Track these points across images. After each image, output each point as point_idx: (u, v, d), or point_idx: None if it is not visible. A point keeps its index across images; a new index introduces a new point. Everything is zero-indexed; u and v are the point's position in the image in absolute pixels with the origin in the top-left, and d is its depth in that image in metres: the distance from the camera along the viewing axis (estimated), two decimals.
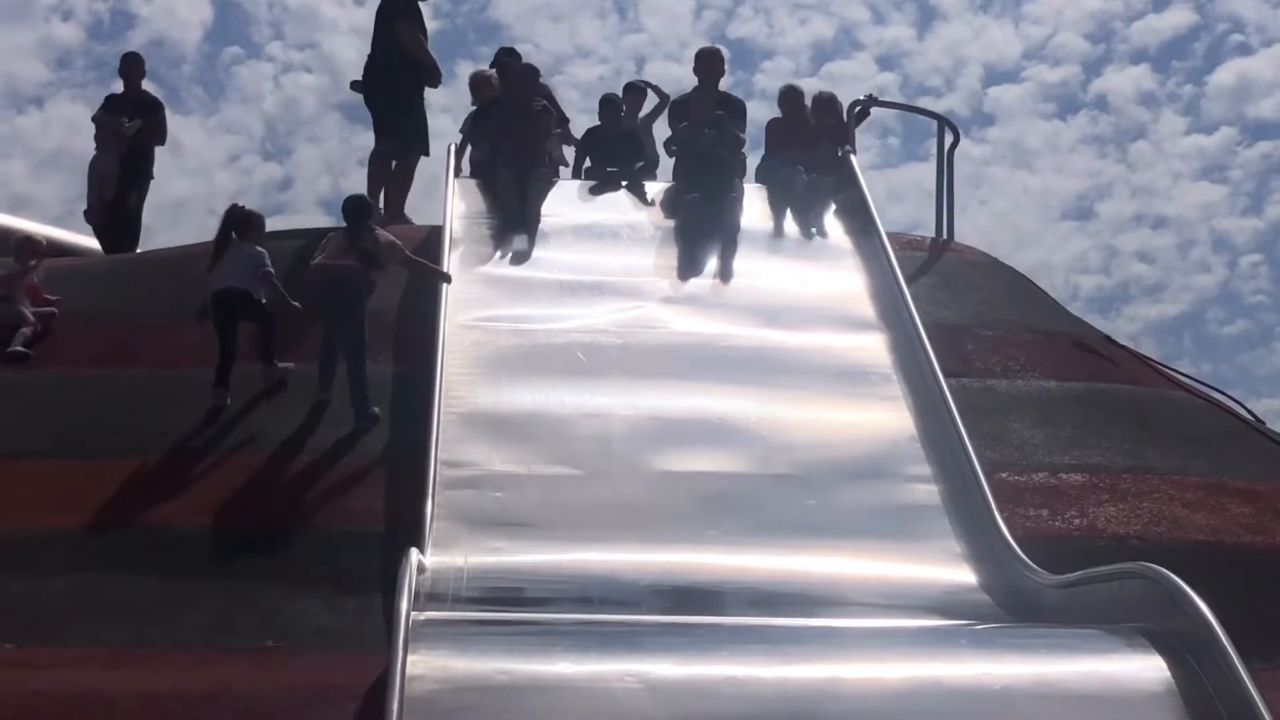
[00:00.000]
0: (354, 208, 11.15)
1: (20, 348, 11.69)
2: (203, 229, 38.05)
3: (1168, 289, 37.90)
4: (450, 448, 9.72)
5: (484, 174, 13.66)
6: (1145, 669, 7.13)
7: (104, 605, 8.78)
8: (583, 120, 15.28)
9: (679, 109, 14.53)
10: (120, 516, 9.58)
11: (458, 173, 13.68)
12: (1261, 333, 38.34)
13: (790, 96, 14.37)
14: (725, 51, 15.17)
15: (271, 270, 11.14)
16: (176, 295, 11.91)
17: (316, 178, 38.79)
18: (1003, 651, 7.40)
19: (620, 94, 15.04)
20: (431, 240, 12.39)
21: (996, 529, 9.08)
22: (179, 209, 32.50)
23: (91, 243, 15.70)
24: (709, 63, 14.61)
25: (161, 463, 10.15)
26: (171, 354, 11.41)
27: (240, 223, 11.35)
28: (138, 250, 14.61)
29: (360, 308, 10.79)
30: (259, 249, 11.21)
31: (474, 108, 14.68)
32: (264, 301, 11.07)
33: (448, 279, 11.43)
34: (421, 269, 11.49)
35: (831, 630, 7.71)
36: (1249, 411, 12.03)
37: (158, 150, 15.08)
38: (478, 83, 14.86)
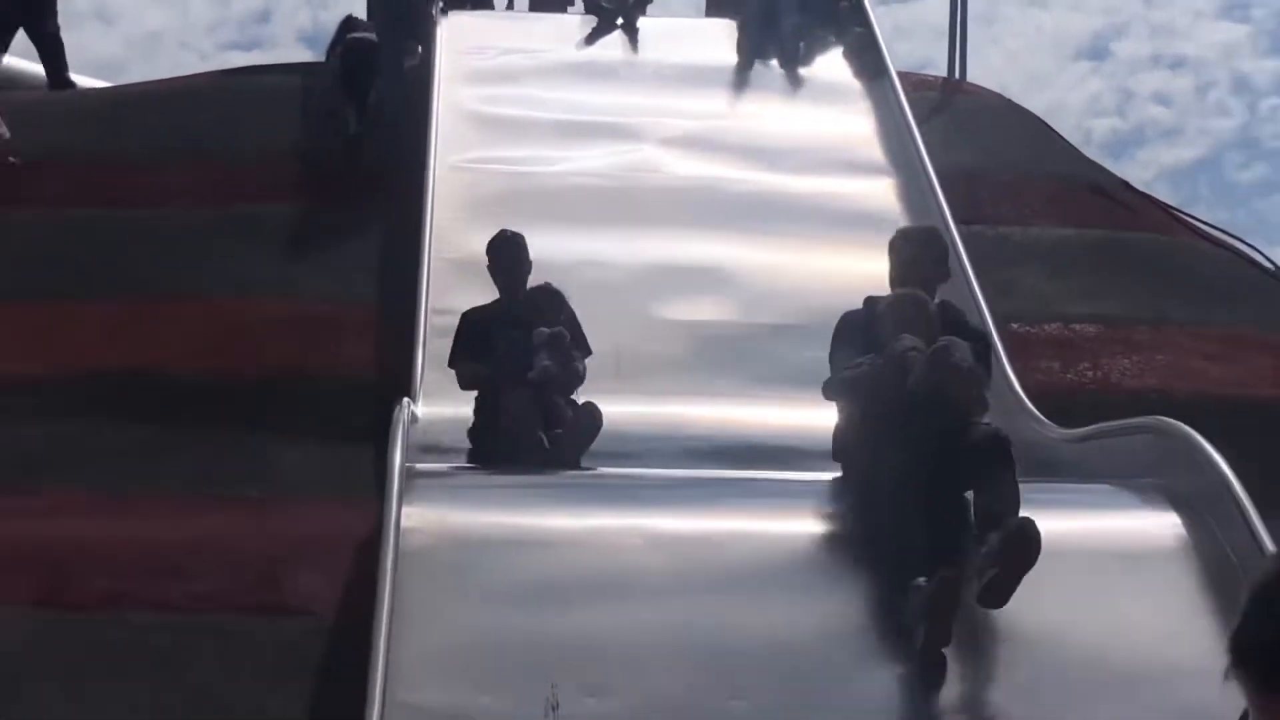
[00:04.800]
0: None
1: None
2: (177, 64, 37.49)
3: (1184, 133, 37.54)
4: (442, 296, 9.63)
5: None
6: (1160, 525, 7.27)
7: (83, 453, 8.73)
8: None
9: None
10: (97, 363, 9.47)
11: None
12: None
13: None
14: None
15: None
16: (158, 134, 11.68)
17: (297, 9, 38.06)
18: None
19: None
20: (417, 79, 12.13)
21: (1007, 381, 8.98)
22: (154, 41, 31.96)
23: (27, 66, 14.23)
24: None
25: (141, 307, 10.02)
26: (155, 195, 11.12)
27: None
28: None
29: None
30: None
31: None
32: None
33: None
34: None
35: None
36: (1270, 261, 11.95)
37: None
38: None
